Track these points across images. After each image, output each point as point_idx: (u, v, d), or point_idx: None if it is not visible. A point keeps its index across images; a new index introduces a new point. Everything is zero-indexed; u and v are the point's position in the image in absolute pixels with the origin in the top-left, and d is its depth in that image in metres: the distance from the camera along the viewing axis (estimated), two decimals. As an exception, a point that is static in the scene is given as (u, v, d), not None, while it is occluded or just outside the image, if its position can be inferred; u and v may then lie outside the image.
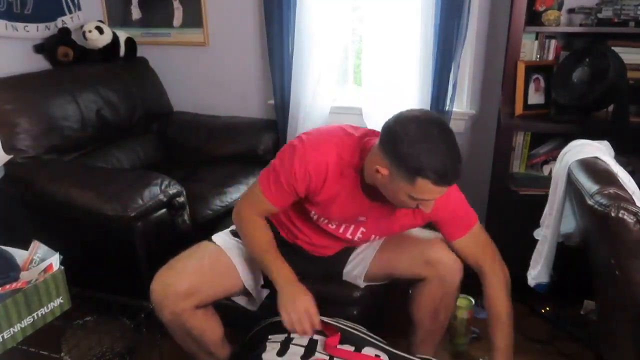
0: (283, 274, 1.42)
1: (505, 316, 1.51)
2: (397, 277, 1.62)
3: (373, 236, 1.56)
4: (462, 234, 1.48)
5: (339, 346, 1.37)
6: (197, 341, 1.55)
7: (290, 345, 1.37)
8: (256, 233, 1.49)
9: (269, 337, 1.44)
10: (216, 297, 1.54)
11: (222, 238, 1.61)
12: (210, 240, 1.60)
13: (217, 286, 1.52)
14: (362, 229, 1.51)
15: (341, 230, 1.53)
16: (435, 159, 1.19)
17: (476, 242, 1.50)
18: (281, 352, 1.35)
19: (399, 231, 1.55)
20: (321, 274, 1.69)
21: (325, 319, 1.45)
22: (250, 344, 1.50)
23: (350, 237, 1.54)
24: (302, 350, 1.36)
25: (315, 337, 1.40)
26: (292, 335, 1.41)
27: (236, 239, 1.62)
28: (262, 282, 1.62)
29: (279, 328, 1.43)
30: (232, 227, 1.68)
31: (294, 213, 1.57)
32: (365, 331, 1.49)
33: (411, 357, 1.42)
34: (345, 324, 1.48)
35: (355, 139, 1.38)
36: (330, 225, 1.52)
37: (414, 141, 1.19)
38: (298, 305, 1.36)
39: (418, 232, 1.64)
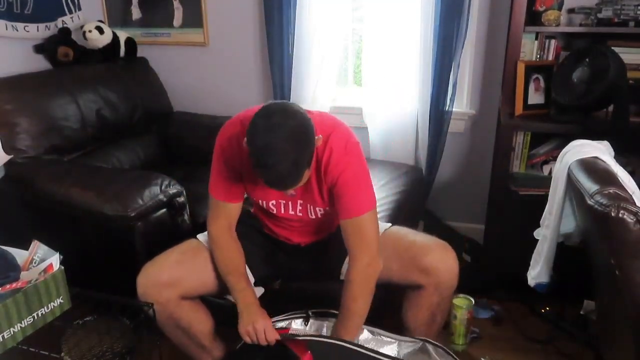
0: (243, 296, 1.48)
1: (350, 312, 1.46)
2: (392, 282, 1.59)
3: (310, 207, 1.54)
4: (346, 216, 1.44)
5: None
6: (187, 333, 1.57)
7: None
8: (220, 254, 1.54)
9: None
10: (202, 290, 1.57)
11: (205, 236, 1.64)
12: (196, 238, 1.64)
13: (200, 279, 1.55)
14: (299, 201, 1.53)
15: (282, 211, 1.56)
16: (264, 170, 1.25)
17: (356, 230, 1.44)
18: None
19: (325, 203, 1.51)
20: (315, 273, 1.69)
21: (299, 337, 1.45)
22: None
23: (292, 213, 1.56)
24: None
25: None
26: None
27: None
28: (253, 280, 1.63)
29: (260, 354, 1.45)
30: None
31: (255, 207, 1.65)
32: (350, 342, 1.47)
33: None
34: (334, 338, 1.46)
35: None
36: (272, 207, 1.56)
37: (251, 142, 1.26)
38: (257, 328, 1.43)
39: (413, 235, 1.61)
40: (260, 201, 1.56)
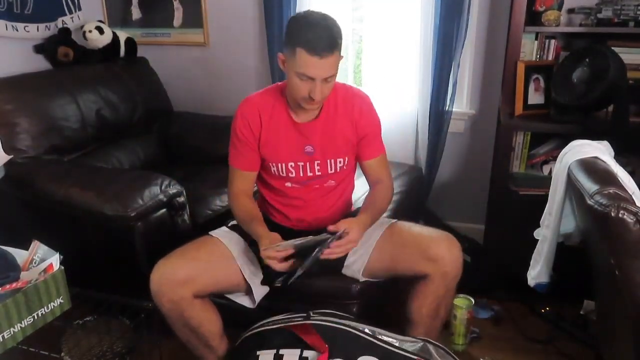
0: (259, 229, 1.57)
1: (379, 201, 1.66)
2: (398, 273, 1.62)
3: (329, 161, 1.65)
4: (375, 155, 1.70)
5: None
6: (196, 332, 1.57)
7: None
8: (240, 206, 1.65)
9: (258, 353, 1.44)
10: (215, 287, 1.57)
11: (219, 231, 1.67)
12: (210, 235, 1.65)
13: (214, 275, 1.55)
14: (316, 161, 1.64)
15: (301, 173, 1.65)
16: (310, 31, 1.42)
17: (382, 165, 1.72)
18: None
19: (347, 149, 1.67)
20: (321, 267, 1.69)
21: (318, 317, 1.45)
22: (238, 353, 1.50)
23: (311, 174, 1.66)
24: None
25: (305, 353, 1.40)
26: (280, 352, 1.42)
27: (234, 232, 1.67)
28: (262, 277, 1.63)
29: (267, 342, 1.44)
30: (229, 223, 1.74)
31: (266, 190, 1.73)
32: (358, 326, 1.49)
33: (405, 352, 1.43)
34: (337, 320, 1.48)
35: (278, 85, 1.66)
36: (291, 170, 1.65)
37: (297, 19, 1.48)
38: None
39: (419, 228, 1.67)
40: (279, 165, 1.64)
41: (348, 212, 1.79)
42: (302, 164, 1.64)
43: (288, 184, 1.67)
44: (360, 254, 1.66)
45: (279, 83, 1.67)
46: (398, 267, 1.61)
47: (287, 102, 1.60)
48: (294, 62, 1.45)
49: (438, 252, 1.54)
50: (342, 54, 1.50)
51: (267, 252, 1.45)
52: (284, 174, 1.65)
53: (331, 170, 1.66)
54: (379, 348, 1.44)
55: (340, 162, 1.66)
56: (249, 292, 1.63)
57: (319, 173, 1.66)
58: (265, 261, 1.48)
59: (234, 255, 1.59)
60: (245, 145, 1.63)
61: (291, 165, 1.64)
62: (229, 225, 1.74)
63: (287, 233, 1.67)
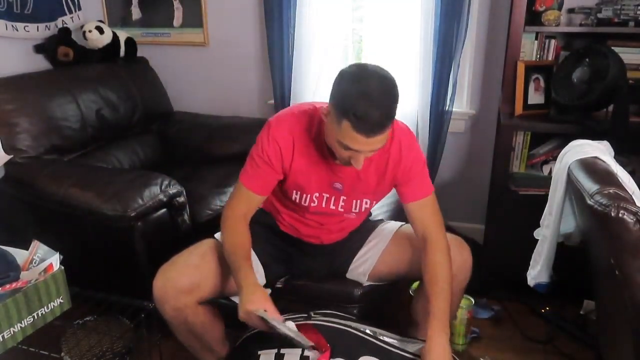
0: (245, 276, 1.40)
1: (442, 281, 1.44)
2: (405, 276, 1.61)
3: (355, 202, 1.55)
4: (418, 197, 1.51)
5: None
6: (199, 338, 1.55)
7: None
8: (230, 235, 1.49)
9: (259, 352, 1.44)
10: (219, 292, 1.54)
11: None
12: (213, 237, 1.61)
13: (218, 282, 1.52)
14: (342, 197, 1.54)
15: (324, 204, 1.55)
16: (361, 104, 1.22)
17: (428, 209, 1.52)
18: None
19: (378, 191, 1.55)
20: (326, 272, 1.69)
21: (319, 317, 1.45)
22: (238, 354, 1.50)
23: (333, 208, 1.55)
24: None
25: (307, 352, 1.40)
26: (282, 351, 1.41)
27: None
28: (265, 282, 1.63)
29: (267, 341, 1.43)
30: None
31: (279, 204, 1.62)
32: (360, 327, 1.49)
33: (406, 353, 1.43)
34: (339, 320, 1.48)
35: (315, 108, 1.45)
36: (313, 200, 1.54)
37: (351, 81, 1.25)
38: (255, 304, 1.34)
39: None
40: (302, 195, 1.53)
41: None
42: (328, 196, 1.55)
43: (310, 212, 1.59)
44: (367, 257, 1.65)
45: (316, 106, 1.47)
46: (405, 269, 1.59)
47: (324, 139, 1.42)
48: (338, 128, 1.27)
49: (443, 258, 1.50)
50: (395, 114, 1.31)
51: (247, 316, 1.33)
52: (306, 204, 1.55)
53: (355, 209, 1.58)
54: (380, 348, 1.44)
55: (366, 202, 1.57)
56: None
57: (342, 210, 1.57)
58: (239, 316, 1.36)
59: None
60: (269, 169, 1.47)
61: (315, 196, 1.54)
62: None
63: (293, 243, 1.67)
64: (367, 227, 1.71)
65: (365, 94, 1.22)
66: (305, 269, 1.69)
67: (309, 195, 1.53)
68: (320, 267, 1.68)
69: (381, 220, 1.77)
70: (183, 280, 1.44)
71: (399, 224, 1.70)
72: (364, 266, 1.65)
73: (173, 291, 1.43)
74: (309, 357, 1.39)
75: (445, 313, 1.42)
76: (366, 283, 1.68)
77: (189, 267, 1.48)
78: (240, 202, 1.52)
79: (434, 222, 1.51)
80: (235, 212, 1.52)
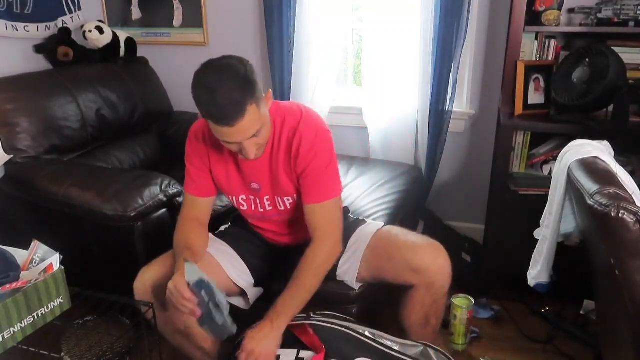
0: (179, 266, 1.41)
1: (301, 279, 1.46)
2: (385, 283, 1.60)
3: (278, 199, 1.57)
4: (315, 201, 1.49)
5: None
6: (186, 337, 1.55)
7: None
8: (181, 233, 1.55)
9: None
10: None
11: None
12: None
13: None
14: (266, 197, 1.57)
15: (253, 207, 1.60)
16: (205, 101, 1.29)
17: (323, 215, 1.50)
18: None
19: (294, 186, 1.53)
20: None
21: (318, 318, 1.45)
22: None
23: (262, 210, 1.59)
24: None
25: (302, 354, 1.40)
26: (278, 352, 1.42)
27: (220, 239, 1.65)
28: (252, 281, 1.63)
29: None
30: (217, 230, 1.73)
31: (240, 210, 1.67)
32: (358, 329, 1.49)
33: (403, 356, 1.43)
34: (337, 321, 1.48)
35: None
36: (242, 203, 1.60)
37: (195, 85, 1.31)
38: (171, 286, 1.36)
39: (404, 235, 1.60)
40: (231, 197, 1.61)
41: None
42: (253, 197, 1.58)
43: (250, 214, 1.64)
44: (350, 264, 1.64)
45: None
46: (384, 276, 1.58)
47: None
48: (213, 130, 1.35)
49: (422, 263, 1.49)
50: (261, 98, 1.35)
51: (174, 289, 1.34)
52: (243, 208, 1.62)
53: (281, 207, 1.59)
54: (379, 351, 1.44)
55: (288, 200, 1.57)
56: (243, 293, 1.63)
57: (270, 208, 1.59)
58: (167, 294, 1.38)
59: (220, 263, 1.57)
60: (199, 171, 1.55)
61: (242, 199, 1.59)
62: (216, 232, 1.72)
63: (272, 244, 1.69)
64: (346, 230, 1.65)
65: (206, 91, 1.28)
66: (286, 270, 1.68)
67: (235, 198, 1.60)
68: (293, 267, 1.67)
69: (362, 221, 1.74)
70: (161, 280, 1.45)
71: (377, 226, 1.66)
72: (350, 273, 1.64)
73: (152, 291, 1.45)
74: (304, 358, 1.39)
75: (285, 307, 1.43)
76: (357, 287, 1.66)
77: (165, 267, 1.49)
78: (185, 206, 1.59)
79: (321, 228, 1.49)
80: (182, 216, 1.59)
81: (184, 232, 1.55)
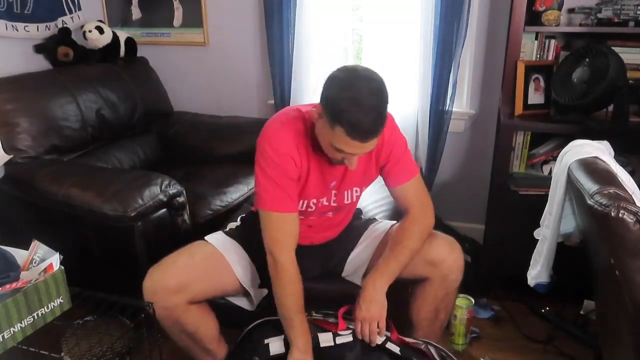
0: (302, 333, 1.42)
1: (406, 245, 1.48)
2: (399, 277, 1.61)
3: (347, 193, 1.57)
4: (401, 182, 1.54)
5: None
6: (192, 337, 1.55)
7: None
8: (287, 288, 1.45)
9: (266, 341, 1.44)
10: (210, 294, 1.54)
11: (215, 237, 1.61)
12: (205, 240, 1.61)
13: (209, 283, 1.52)
14: (333, 192, 1.56)
15: (320, 205, 1.56)
16: (353, 111, 1.23)
17: (411, 191, 1.55)
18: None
19: (365, 180, 1.57)
20: (319, 272, 1.69)
21: (320, 318, 1.48)
22: (244, 344, 1.50)
23: (327, 204, 1.57)
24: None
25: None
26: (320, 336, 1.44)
27: (230, 238, 1.63)
28: (259, 282, 1.63)
29: (272, 330, 1.45)
30: (227, 228, 1.71)
31: None
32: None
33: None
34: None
35: (301, 111, 1.46)
36: (311, 206, 1.55)
37: (341, 87, 1.26)
38: None
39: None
40: (303, 202, 1.53)
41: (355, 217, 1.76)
42: (324, 198, 1.56)
43: (302, 217, 1.57)
44: (359, 260, 1.65)
45: (301, 110, 1.46)
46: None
47: (320, 147, 1.41)
48: (331, 132, 1.28)
49: (438, 255, 1.52)
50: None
51: None
52: (303, 209, 1.55)
53: (347, 200, 1.58)
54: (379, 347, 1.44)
55: (356, 191, 1.59)
56: (247, 294, 1.62)
57: (335, 204, 1.58)
58: None
59: (229, 262, 1.56)
60: (291, 183, 1.43)
61: (313, 202, 1.55)
62: (226, 230, 1.70)
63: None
64: (358, 227, 1.70)
65: (356, 101, 1.23)
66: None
67: (307, 201, 1.54)
68: (313, 267, 1.67)
69: (373, 220, 1.76)
70: (171, 281, 1.44)
71: (389, 224, 1.68)
72: (358, 269, 1.65)
73: (162, 291, 1.43)
74: (340, 334, 1.43)
75: (388, 267, 1.46)
76: (362, 283, 1.67)
77: (177, 268, 1.48)
78: (279, 231, 1.45)
79: (418, 202, 1.55)
80: (286, 251, 1.45)
81: (296, 286, 1.45)
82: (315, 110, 1.35)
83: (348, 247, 1.67)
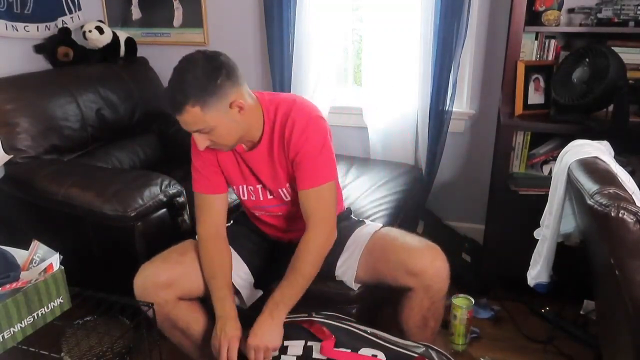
0: (222, 305, 1.47)
1: (299, 269, 1.46)
2: (383, 285, 1.59)
3: (281, 190, 1.57)
4: (307, 186, 1.48)
5: (335, 349, 1.39)
6: (185, 333, 1.57)
7: (282, 357, 1.40)
8: (206, 255, 1.54)
9: None
10: (200, 291, 1.55)
11: None
12: (195, 238, 1.63)
13: (199, 280, 1.54)
14: (268, 186, 1.57)
15: (261, 197, 1.59)
16: (168, 87, 1.39)
17: (317, 200, 1.49)
18: None
19: (290, 174, 1.54)
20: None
21: (320, 319, 1.45)
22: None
23: (262, 199, 1.60)
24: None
25: (310, 343, 1.40)
26: (285, 343, 1.43)
27: None
28: (252, 281, 1.63)
29: None
30: None
31: (244, 206, 1.69)
32: (361, 327, 1.49)
33: (406, 351, 1.43)
34: (339, 322, 1.49)
35: None
36: (250, 193, 1.59)
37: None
38: (221, 342, 1.41)
39: (402, 238, 1.58)
40: (235, 188, 1.60)
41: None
42: (253, 187, 1.59)
43: (252, 206, 1.65)
44: (347, 265, 1.63)
45: None
46: (382, 278, 1.57)
47: None
48: None
49: (419, 266, 1.47)
50: (211, 105, 1.35)
51: (221, 349, 1.40)
52: (245, 198, 1.62)
53: (286, 198, 1.58)
54: (382, 346, 1.44)
55: (287, 189, 1.58)
56: (238, 292, 1.62)
57: (271, 198, 1.60)
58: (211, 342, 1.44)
59: None
60: (209, 167, 1.55)
61: (244, 188, 1.60)
62: None
63: (272, 242, 1.70)
64: (346, 229, 1.66)
65: (170, 80, 1.39)
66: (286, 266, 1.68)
67: (238, 187, 1.59)
68: None
69: (360, 223, 1.73)
70: (161, 276, 1.48)
71: (375, 227, 1.66)
72: (348, 273, 1.63)
73: (152, 287, 1.46)
74: (312, 346, 1.39)
75: (284, 297, 1.43)
76: (356, 287, 1.65)
77: (167, 263, 1.51)
78: (203, 211, 1.57)
79: (314, 214, 1.48)
80: (205, 226, 1.56)
81: (216, 254, 1.54)
82: None
83: (336, 251, 1.63)
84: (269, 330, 1.40)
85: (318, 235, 1.48)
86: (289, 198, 1.59)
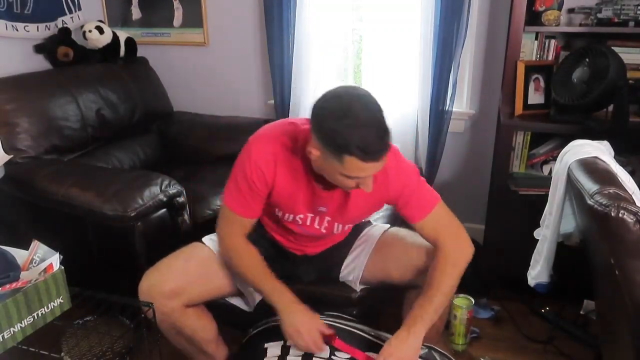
0: (279, 295, 1.42)
1: (440, 289, 1.40)
2: (392, 284, 1.60)
3: (338, 225, 1.53)
4: (422, 216, 1.45)
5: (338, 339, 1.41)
6: (190, 340, 1.55)
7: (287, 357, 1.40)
8: (243, 262, 1.48)
9: (265, 345, 1.44)
10: (206, 297, 1.54)
11: (212, 240, 1.60)
12: (201, 242, 1.60)
13: (205, 287, 1.52)
14: (326, 218, 1.51)
15: (308, 223, 1.51)
16: (357, 134, 1.17)
17: (435, 223, 1.46)
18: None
19: (364, 216, 1.55)
20: (314, 277, 1.68)
21: (323, 318, 1.46)
22: (245, 351, 1.50)
23: (317, 227, 1.52)
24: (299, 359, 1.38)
25: None
26: (288, 343, 1.43)
27: None
28: None
29: (274, 335, 1.44)
30: None
31: (264, 214, 1.57)
32: (364, 328, 1.50)
33: None
34: (342, 322, 1.50)
35: (297, 127, 1.39)
36: (298, 221, 1.51)
37: (336, 117, 1.19)
38: (302, 331, 1.37)
39: (411, 237, 1.59)
40: (286, 215, 1.51)
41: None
42: (312, 216, 1.51)
43: (293, 228, 1.56)
44: (354, 265, 1.64)
45: (297, 123, 1.41)
46: (390, 278, 1.57)
47: (311, 168, 1.37)
48: (339, 164, 1.23)
49: (425, 263, 1.49)
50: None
51: (298, 336, 1.37)
52: (290, 220, 1.53)
53: (337, 231, 1.56)
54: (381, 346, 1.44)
55: (348, 227, 1.58)
56: (244, 295, 1.62)
57: (324, 231, 1.54)
58: (288, 333, 1.39)
59: (226, 265, 1.55)
60: (256, 195, 1.42)
61: (300, 217, 1.51)
62: None
63: (278, 248, 1.66)
64: (353, 231, 1.67)
65: (358, 124, 1.18)
66: (292, 274, 1.66)
67: (291, 216, 1.50)
68: (307, 274, 1.67)
69: (368, 223, 1.73)
70: (166, 285, 1.44)
71: (383, 227, 1.67)
72: (353, 274, 1.64)
73: (158, 296, 1.43)
74: None
75: (422, 309, 1.38)
76: (359, 288, 1.66)
77: (172, 272, 1.48)
78: (235, 227, 1.48)
79: (445, 233, 1.45)
80: (233, 238, 1.48)
81: (251, 258, 1.48)
82: (309, 149, 1.28)
83: (343, 252, 1.66)
84: (404, 344, 1.35)
85: (458, 249, 1.44)
86: (341, 232, 1.58)
